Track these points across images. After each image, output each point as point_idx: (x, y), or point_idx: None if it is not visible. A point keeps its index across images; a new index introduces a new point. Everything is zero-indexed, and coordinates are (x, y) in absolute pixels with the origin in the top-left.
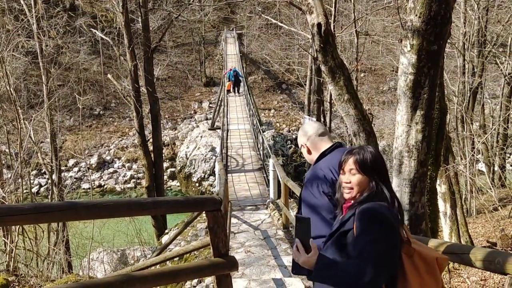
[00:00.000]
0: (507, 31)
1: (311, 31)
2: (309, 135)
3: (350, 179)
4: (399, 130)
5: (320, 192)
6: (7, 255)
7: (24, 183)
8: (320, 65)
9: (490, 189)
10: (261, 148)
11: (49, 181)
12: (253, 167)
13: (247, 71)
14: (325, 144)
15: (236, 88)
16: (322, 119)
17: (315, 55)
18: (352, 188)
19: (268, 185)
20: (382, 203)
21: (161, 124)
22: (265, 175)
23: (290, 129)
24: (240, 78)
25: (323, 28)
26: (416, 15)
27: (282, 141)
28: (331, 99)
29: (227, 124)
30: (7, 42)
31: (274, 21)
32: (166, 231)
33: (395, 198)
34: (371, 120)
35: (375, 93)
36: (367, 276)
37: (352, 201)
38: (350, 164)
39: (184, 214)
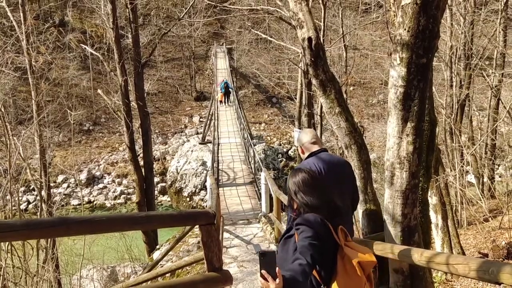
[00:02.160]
0: (492, 44)
1: (301, 45)
2: (304, 141)
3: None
4: (390, 142)
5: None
6: None
7: (12, 200)
8: (311, 79)
9: (480, 200)
10: (252, 161)
11: (38, 197)
12: (244, 181)
13: (237, 85)
14: (315, 148)
15: (226, 99)
16: None
17: (306, 69)
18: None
19: (260, 199)
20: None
21: (152, 139)
22: (256, 189)
23: (281, 142)
24: (230, 89)
25: (313, 42)
26: (405, 29)
27: (273, 155)
28: (321, 112)
29: (218, 138)
30: None
31: (264, 35)
32: (158, 246)
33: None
34: (362, 132)
35: (364, 106)
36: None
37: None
38: None
39: (176, 229)
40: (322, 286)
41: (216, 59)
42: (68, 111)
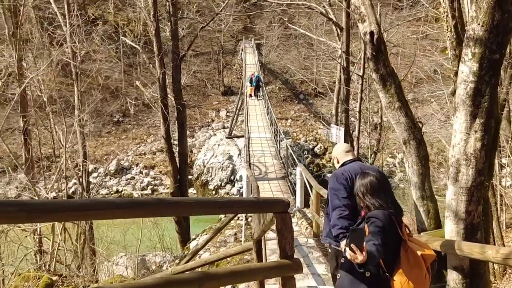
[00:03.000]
0: None
1: (362, 40)
2: (339, 151)
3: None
4: (457, 138)
5: (339, 184)
6: (49, 255)
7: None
8: (371, 73)
9: None
10: (285, 156)
11: (76, 186)
12: (276, 175)
13: (265, 81)
14: (347, 158)
15: (257, 93)
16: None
17: (367, 63)
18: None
19: (293, 194)
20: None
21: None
22: (289, 184)
23: (307, 139)
24: (260, 83)
25: (375, 36)
26: (479, 24)
27: (299, 151)
28: (360, 108)
29: (249, 132)
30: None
31: (298, 29)
32: (193, 236)
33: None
34: (421, 128)
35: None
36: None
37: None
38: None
39: (209, 221)
40: (386, 274)
41: (245, 54)
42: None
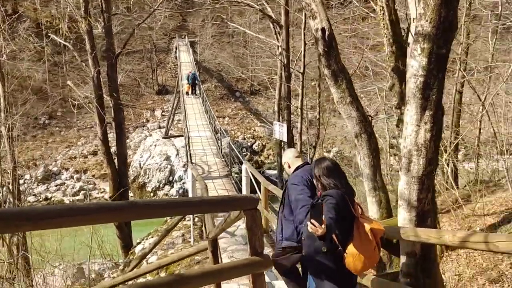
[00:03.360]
0: (457, 40)
1: (314, 36)
2: (290, 157)
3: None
4: (408, 130)
5: (302, 186)
6: None
7: None
8: (323, 69)
9: (453, 188)
10: (228, 155)
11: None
12: (219, 174)
13: (201, 79)
14: (298, 163)
15: (194, 90)
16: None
17: (319, 59)
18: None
19: (238, 192)
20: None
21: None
22: (233, 182)
23: (245, 136)
24: (197, 81)
25: (327, 33)
26: (427, 21)
27: (237, 149)
28: (302, 105)
29: (188, 132)
30: None
31: (240, 27)
32: (138, 240)
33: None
34: (370, 122)
35: (325, 101)
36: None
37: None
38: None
39: (149, 224)
40: (339, 248)
41: (179, 52)
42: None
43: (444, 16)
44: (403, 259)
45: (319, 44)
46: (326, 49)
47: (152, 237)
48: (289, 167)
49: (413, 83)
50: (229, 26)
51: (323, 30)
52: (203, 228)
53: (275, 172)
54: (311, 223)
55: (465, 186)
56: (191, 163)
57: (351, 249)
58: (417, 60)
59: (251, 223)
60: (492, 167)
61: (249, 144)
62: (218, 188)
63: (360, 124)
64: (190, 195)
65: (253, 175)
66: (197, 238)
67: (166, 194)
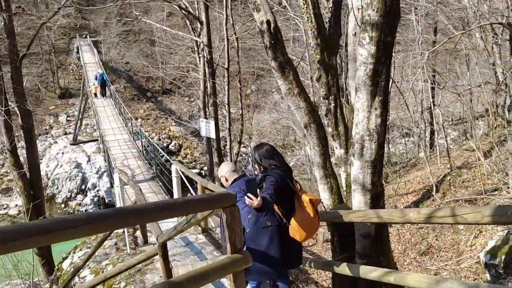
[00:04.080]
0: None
1: (259, 29)
2: (226, 171)
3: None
4: (360, 117)
5: (242, 194)
6: None
7: None
8: (270, 61)
9: None
10: (152, 157)
11: None
12: (144, 177)
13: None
14: (234, 176)
15: (103, 92)
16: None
17: (266, 52)
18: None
19: (167, 194)
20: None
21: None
22: (160, 184)
23: (160, 137)
24: (107, 82)
25: (272, 25)
26: (374, 10)
27: (154, 151)
28: (229, 101)
29: (103, 136)
30: None
31: (156, 24)
32: (64, 255)
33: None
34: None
35: (238, 97)
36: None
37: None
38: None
39: (77, 239)
40: (284, 221)
41: (81, 52)
42: None
43: (389, 5)
44: (358, 241)
45: (265, 36)
46: (272, 42)
47: (80, 249)
48: (226, 180)
49: (363, 71)
50: (135, 24)
51: (268, 22)
52: (141, 235)
53: (196, 171)
54: (248, 196)
55: None
56: (114, 167)
57: (294, 220)
58: (366, 49)
59: (230, 220)
60: (399, 150)
61: (165, 144)
62: (145, 192)
63: (308, 114)
64: (118, 202)
65: (185, 175)
66: (131, 245)
67: (80, 204)
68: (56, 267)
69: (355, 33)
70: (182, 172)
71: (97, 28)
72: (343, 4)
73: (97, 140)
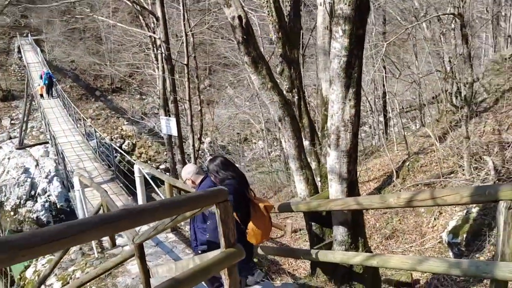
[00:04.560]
0: None
1: (231, 24)
2: (191, 173)
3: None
4: (335, 108)
5: None
6: None
7: None
8: (243, 57)
9: None
10: (113, 158)
11: None
12: (103, 179)
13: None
14: (200, 177)
15: (50, 92)
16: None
17: (238, 47)
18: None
19: (129, 194)
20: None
21: None
22: (121, 185)
23: (113, 137)
24: (54, 81)
25: (244, 21)
26: (346, 4)
27: (106, 151)
28: (190, 97)
29: (55, 138)
30: None
31: (109, 21)
32: (26, 263)
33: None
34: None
35: (192, 93)
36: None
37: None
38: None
39: None
40: (242, 226)
41: (23, 52)
42: None
43: None
44: (336, 229)
45: (237, 32)
46: (244, 37)
47: (43, 257)
48: (193, 183)
49: (336, 64)
50: (79, 22)
51: (239, 18)
52: (109, 238)
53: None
54: None
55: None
56: (72, 170)
57: (251, 225)
58: (339, 42)
59: (224, 215)
60: None
61: (118, 144)
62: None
63: (282, 108)
64: (80, 207)
65: (151, 175)
66: (97, 248)
67: (30, 211)
68: (19, 276)
69: (327, 26)
70: (150, 173)
71: (39, 26)
72: None
73: (45, 143)
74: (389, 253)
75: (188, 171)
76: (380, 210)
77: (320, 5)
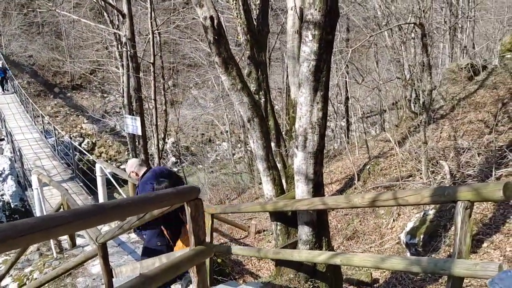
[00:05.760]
0: None
1: (203, 24)
2: (135, 166)
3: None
4: (303, 110)
5: (149, 188)
6: None
7: None
8: (214, 57)
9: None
10: (73, 156)
11: None
12: (62, 178)
13: (10, 75)
14: (143, 169)
15: (4, 86)
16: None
17: (210, 47)
18: None
19: (89, 194)
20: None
21: None
22: (81, 184)
23: (72, 135)
24: (8, 75)
25: (215, 21)
26: (316, 9)
27: (65, 150)
28: (155, 96)
29: (11, 135)
30: None
31: (73, 16)
32: None
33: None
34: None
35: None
36: None
37: None
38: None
39: None
40: (170, 243)
41: None
42: None
43: (330, 5)
44: (301, 228)
45: (208, 32)
46: (216, 37)
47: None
48: (137, 175)
49: (306, 67)
50: (37, 15)
51: (211, 18)
52: (69, 238)
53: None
54: None
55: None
56: (30, 169)
57: (179, 243)
58: (308, 46)
59: (194, 213)
60: None
61: (77, 143)
62: None
63: (252, 109)
64: (38, 206)
65: (113, 174)
66: (56, 248)
67: None
68: None
69: (296, 30)
70: (112, 172)
71: None
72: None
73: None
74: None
75: (131, 165)
76: (342, 211)
77: (291, 9)
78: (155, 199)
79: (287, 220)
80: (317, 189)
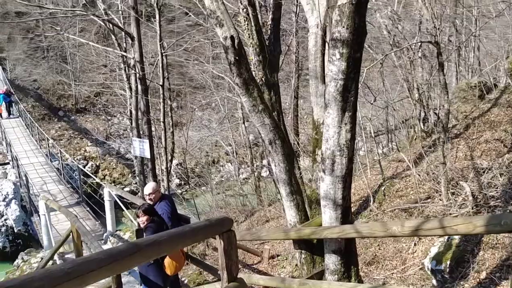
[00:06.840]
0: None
1: (223, 44)
2: (152, 189)
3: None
4: (330, 132)
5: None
6: None
7: None
8: (234, 78)
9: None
10: (77, 181)
11: None
12: (68, 202)
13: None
14: (159, 195)
15: (10, 110)
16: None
17: (230, 68)
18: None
19: (96, 219)
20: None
21: None
22: (87, 209)
23: (75, 158)
24: (13, 99)
25: (236, 41)
26: (343, 27)
27: (69, 172)
28: (164, 118)
29: (17, 159)
30: None
31: (81, 39)
32: None
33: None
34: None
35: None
36: None
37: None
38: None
39: None
40: (160, 260)
41: None
42: None
43: (358, 22)
44: (329, 257)
45: (229, 52)
46: (236, 58)
47: (9, 275)
48: (153, 200)
49: (333, 87)
50: (42, 40)
51: (232, 38)
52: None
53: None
54: None
55: (310, 180)
56: (37, 193)
57: (167, 260)
58: (335, 65)
59: (227, 246)
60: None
61: (81, 166)
62: None
63: (273, 131)
64: (45, 232)
65: (120, 198)
66: None
67: None
68: None
69: (320, 49)
70: (120, 196)
71: (0, 43)
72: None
73: (5, 164)
74: (371, 280)
75: (151, 188)
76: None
77: (317, 27)
78: (191, 234)
79: (312, 248)
80: (346, 215)
